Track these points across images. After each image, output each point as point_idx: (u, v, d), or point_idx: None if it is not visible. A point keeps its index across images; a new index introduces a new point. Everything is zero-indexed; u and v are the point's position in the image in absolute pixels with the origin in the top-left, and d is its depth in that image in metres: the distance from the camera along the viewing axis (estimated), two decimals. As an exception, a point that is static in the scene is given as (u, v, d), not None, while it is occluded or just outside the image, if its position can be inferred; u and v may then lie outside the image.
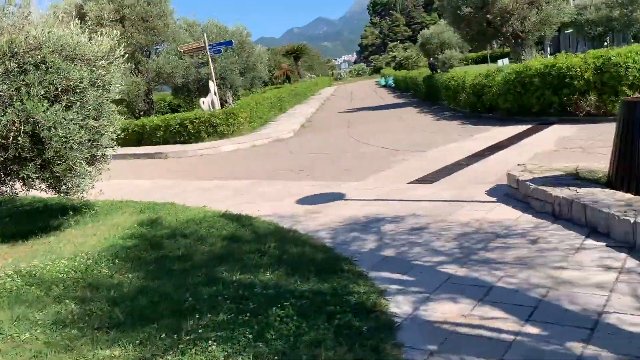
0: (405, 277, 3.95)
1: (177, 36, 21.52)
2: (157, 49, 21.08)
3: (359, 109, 23.69)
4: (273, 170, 10.48)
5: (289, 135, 16.48)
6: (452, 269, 3.95)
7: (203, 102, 19.33)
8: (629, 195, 4.12)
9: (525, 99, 12.17)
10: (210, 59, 17.66)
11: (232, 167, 11.90)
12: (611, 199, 4.08)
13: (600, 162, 6.47)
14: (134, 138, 18.49)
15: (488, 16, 18.76)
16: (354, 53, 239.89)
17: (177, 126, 16.99)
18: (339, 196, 6.97)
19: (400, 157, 10.08)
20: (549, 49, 47.07)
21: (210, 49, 17.46)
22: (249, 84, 26.32)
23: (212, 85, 19.40)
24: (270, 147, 14.43)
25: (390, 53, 68.62)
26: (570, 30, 37.26)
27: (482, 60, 60.20)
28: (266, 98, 21.82)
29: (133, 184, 10.73)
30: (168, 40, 20.76)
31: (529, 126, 11.39)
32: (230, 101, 24.99)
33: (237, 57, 24.77)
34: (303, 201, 6.96)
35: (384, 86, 43.48)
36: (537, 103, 11.83)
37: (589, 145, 8.52)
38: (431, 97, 22.04)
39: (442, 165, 8.51)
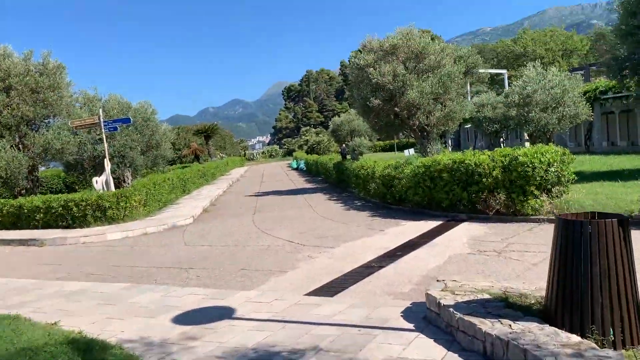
0: None
1: (73, 110, 19.85)
2: (48, 122, 19.20)
3: (267, 193, 22.81)
4: (159, 267, 9.03)
5: (188, 221, 15.06)
6: None
7: (96, 182, 17.52)
8: (575, 339, 3.33)
9: (435, 193, 11.86)
10: (104, 137, 16.18)
11: (112, 260, 10.26)
12: (555, 343, 3.26)
13: (518, 270, 5.81)
14: (9, 220, 16.15)
15: (396, 109, 19.09)
16: (269, 135, 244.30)
17: (60, 208, 15.02)
18: (228, 312, 5.73)
19: (307, 253, 9.10)
20: (450, 141, 50.04)
21: (105, 125, 16.03)
22: (151, 162, 24.76)
23: (107, 165, 17.74)
24: (164, 236, 12.92)
25: (303, 137, 69.85)
26: (469, 125, 39.86)
27: (390, 148, 62.77)
28: (167, 179, 20.36)
29: (-18, 283, 8.77)
30: (61, 114, 19.02)
31: (440, 222, 10.96)
32: (129, 181, 23.19)
33: (139, 134, 23.35)
34: (182, 319, 5.64)
35: (296, 169, 43.40)
36: (446, 198, 11.52)
37: (503, 248, 8.03)
38: (342, 183, 21.73)
39: (351, 268, 7.60)
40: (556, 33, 70.37)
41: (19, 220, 16.01)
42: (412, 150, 42.19)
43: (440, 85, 18.46)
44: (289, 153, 72.59)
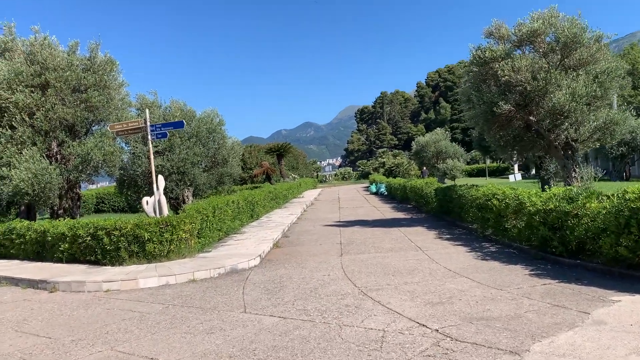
0: None
1: (126, 116, 16.54)
2: (92, 129, 15.93)
3: (351, 223, 18.40)
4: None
5: (253, 263, 10.90)
6: None
7: (146, 203, 13.90)
8: None
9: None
10: (151, 146, 12.47)
11: (127, 336, 6.17)
12: None
13: None
14: (32, 249, 12.77)
15: (531, 117, 14.22)
16: (339, 157, 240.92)
17: (89, 238, 11.37)
18: None
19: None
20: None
21: (152, 131, 12.33)
22: (215, 181, 21.16)
23: (159, 182, 14.09)
24: (217, 290, 8.78)
25: (380, 159, 65.27)
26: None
27: (478, 173, 56.62)
28: (231, 202, 16.45)
29: None
30: (109, 120, 15.70)
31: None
32: (189, 202, 19.65)
33: (203, 148, 19.84)
34: None
35: (375, 193, 38.85)
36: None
37: None
38: (447, 214, 16.96)
39: None
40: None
41: (43, 249, 12.58)
42: (519, 175, 36.36)
43: (598, 86, 13.43)
44: (363, 176, 68.07)
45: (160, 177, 14.48)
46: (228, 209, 15.69)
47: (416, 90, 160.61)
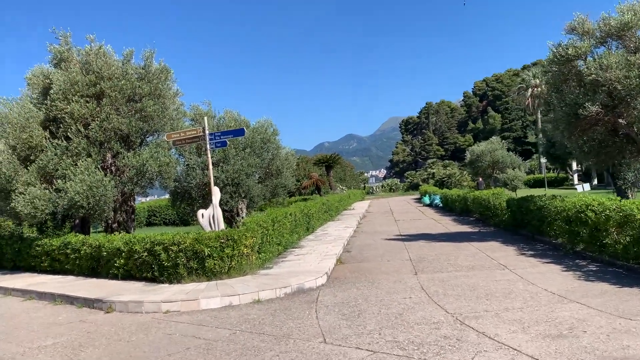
0: None
1: (180, 126, 16.05)
2: (147, 139, 15.48)
3: (414, 236, 17.23)
4: None
5: (320, 281, 9.95)
6: None
7: (202, 216, 13.22)
8: None
9: None
10: (209, 155, 11.78)
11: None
12: None
13: None
14: (87, 265, 12.29)
15: (621, 120, 12.77)
16: (382, 169, 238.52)
17: (145, 254, 10.73)
18: None
19: None
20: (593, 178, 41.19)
21: (211, 139, 11.65)
22: (269, 193, 20.42)
23: (215, 194, 13.44)
24: (286, 312, 7.87)
25: (429, 170, 63.48)
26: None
27: (535, 184, 53.97)
28: (289, 215, 15.63)
29: None
30: (164, 130, 15.20)
31: None
32: (244, 215, 19.00)
33: (257, 158, 19.15)
34: None
35: (429, 205, 37.39)
36: None
37: None
38: (521, 228, 15.56)
39: None
40: None
41: (98, 265, 12.06)
42: (587, 186, 34.18)
43: (703, 83, 11.88)
44: (412, 187, 66.31)
45: (216, 189, 13.81)
46: (286, 221, 14.87)
47: (463, 100, 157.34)
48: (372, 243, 16.29)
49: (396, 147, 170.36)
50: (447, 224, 21.56)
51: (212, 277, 10.27)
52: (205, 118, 12.15)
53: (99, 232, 17.19)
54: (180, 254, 10.25)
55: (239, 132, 12.08)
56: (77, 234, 13.66)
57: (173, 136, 12.13)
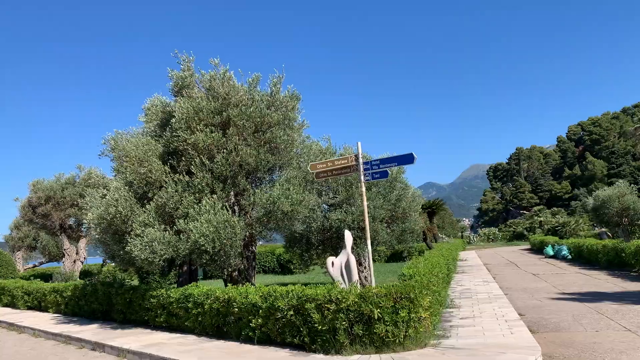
0: None
1: (305, 160, 14.09)
2: (272, 177, 13.54)
3: (585, 295, 13.81)
4: None
5: (538, 363, 7.07)
6: None
7: (332, 264, 10.86)
8: None
9: None
10: (363, 189, 9.46)
11: None
12: None
13: None
14: (211, 322, 10.17)
15: None
16: (464, 218, 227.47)
17: (291, 312, 8.42)
18: None
19: None
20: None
21: (367, 169, 9.36)
22: (395, 239, 17.83)
23: (348, 239, 11.15)
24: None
25: (535, 218, 58.18)
26: None
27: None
28: (436, 264, 12.90)
29: None
30: (290, 165, 13.26)
31: None
32: (367, 265, 16.51)
33: (383, 199, 16.77)
34: None
35: (553, 256, 33.06)
36: None
37: None
38: None
39: None
40: None
41: (224, 323, 9.89)
42: None
43: None
44: (516, 237, 60.86)
45: (348, 234, 11.49)
46: (437, 270, 12.14)
47: (557, 145, 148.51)
48: (540, 304, 13.08)
49: (484, 195, 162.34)
50: (610, 280, 17.75)
51: (382, 349, 7.71)
52: (359, 143, 9.92)
53: (200, 280, 15.25)
54: (340, 314, 7.82)
55: (406, 158, 9.58)
56: (198, 284, 11.70)
57: (319, 167, 10.00)
